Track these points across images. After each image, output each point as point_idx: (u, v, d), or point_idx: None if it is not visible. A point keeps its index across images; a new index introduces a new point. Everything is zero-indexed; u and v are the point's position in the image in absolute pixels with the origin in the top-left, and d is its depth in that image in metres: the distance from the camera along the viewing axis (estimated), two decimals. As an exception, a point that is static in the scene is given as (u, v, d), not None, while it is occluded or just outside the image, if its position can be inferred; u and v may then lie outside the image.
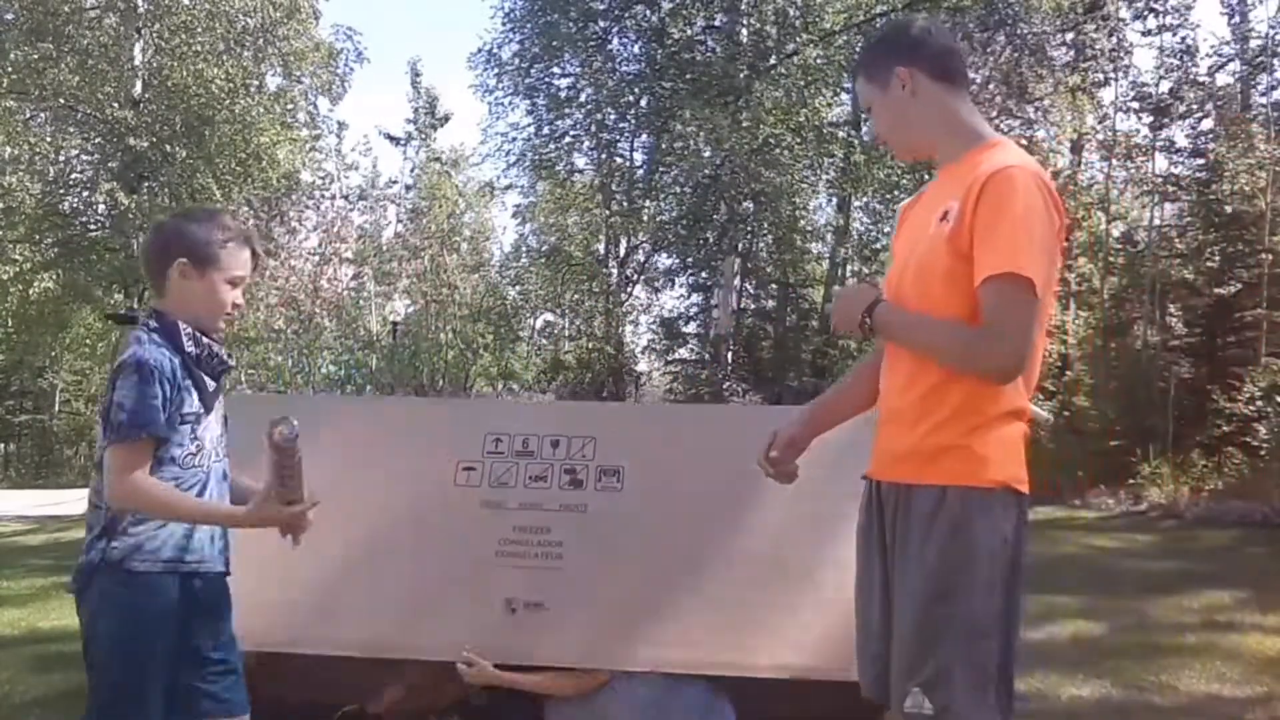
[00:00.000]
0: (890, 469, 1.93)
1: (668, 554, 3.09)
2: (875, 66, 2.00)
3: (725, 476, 3.11)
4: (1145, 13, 16.46)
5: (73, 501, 15.07)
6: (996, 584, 1.78)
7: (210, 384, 2.20)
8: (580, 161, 19.19)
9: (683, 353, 19.97)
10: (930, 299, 1.86)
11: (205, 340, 2.17)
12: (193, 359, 2.15)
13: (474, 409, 3.63)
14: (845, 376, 2.43)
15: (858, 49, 2.42)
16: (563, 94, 18.34)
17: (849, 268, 18.65)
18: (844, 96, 18.22)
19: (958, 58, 2.02)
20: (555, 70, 18.32)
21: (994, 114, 16.65)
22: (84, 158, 16.11)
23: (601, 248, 20.81)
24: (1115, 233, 17.57)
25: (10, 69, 14.12)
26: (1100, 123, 17.00)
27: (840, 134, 17.35)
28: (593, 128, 18.13)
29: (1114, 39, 16.55)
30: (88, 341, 17.57)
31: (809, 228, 18.65)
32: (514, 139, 18.98)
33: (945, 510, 1.79)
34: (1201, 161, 15.63)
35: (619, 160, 19.01)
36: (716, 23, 17.74)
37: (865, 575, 2.00)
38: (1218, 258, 14.52)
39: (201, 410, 2.17)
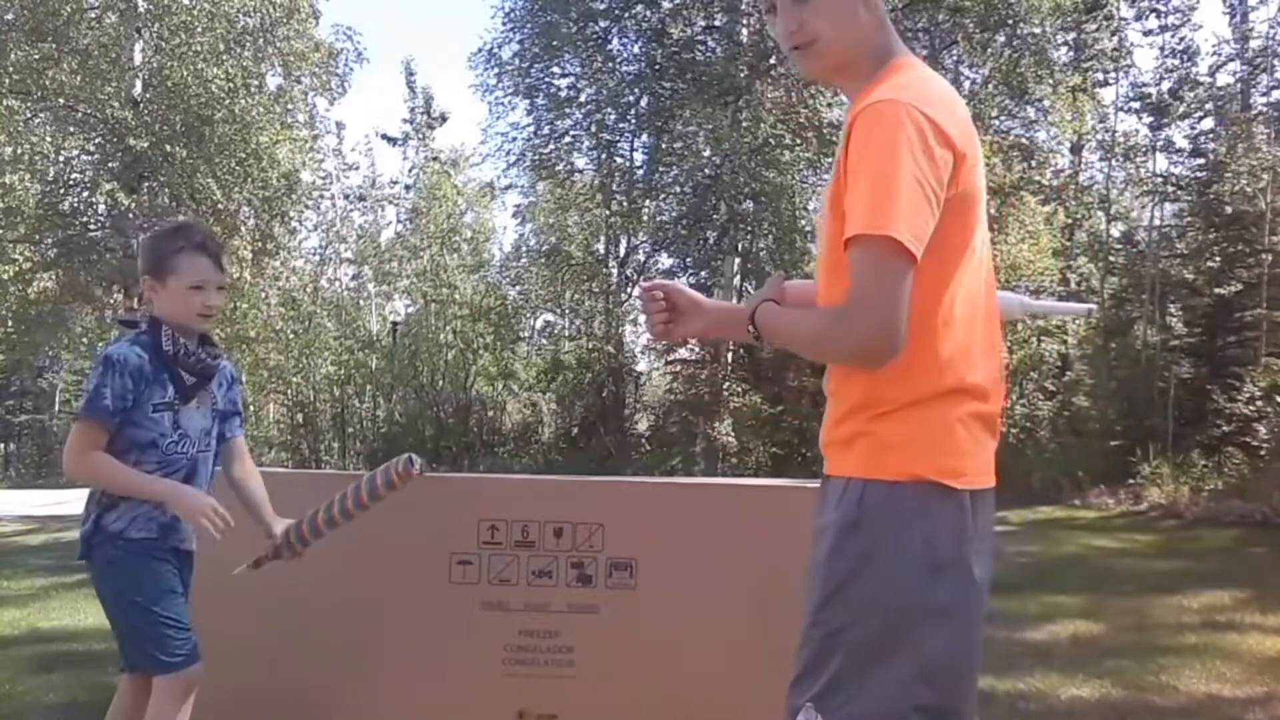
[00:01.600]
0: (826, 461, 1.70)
1: (689, 660, 2.88)
2: None
3: (753, 570, 2.89)
4: (1147, 13, 16.48)
5: (73, 501, 15.04)
6: (908, 595, 1.48)
7: (189, 379, 2.44)
8: (580, 161, 19.20)
9: (683, 353, 19.97)
10: (833, 281, 1.58)
11: (182, 340, 2.42)
12: (169, 356, 2.40)
13: (463, 490, 3.33)
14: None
15: None
16: (563, 94, 18.35)
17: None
18: (844, 96, 18.23)
19: None
20: (555, 70, 18.33)
21: (994, 114, 16.68)
22: (84, 158, 16.11)
23: (601, 248, 20.81)
24: (1115, 233, 17.58)
25: (11, 69, 14.12)
26: (1100, 123, 17.00)
27: (840, 134, 17.35)
28: (593, 128, 18.13)
29: (1115, 39, 16.56)
30: (87, 341, 17.54)
31: (809, 228, 18.64)
32: (514, 139, 19.00)
33: (844, 503, 1.54)
34: (1202, 161, 15.64)
35: (619, 160, 19.01)
36: (716, 23, 17.75)
37: None
38: (1218, 258, 14.53)
39: (176, 400, 2.41)
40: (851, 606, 1.50)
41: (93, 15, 14.95)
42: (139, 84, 15.02)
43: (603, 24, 17.91)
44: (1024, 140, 17.26)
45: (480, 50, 18.77)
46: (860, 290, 1.47)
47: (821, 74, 1.76)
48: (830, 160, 17.37)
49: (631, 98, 17.90)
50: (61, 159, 15.93)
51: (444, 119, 27.53)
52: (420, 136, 27.13)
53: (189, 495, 2.34)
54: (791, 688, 1.57)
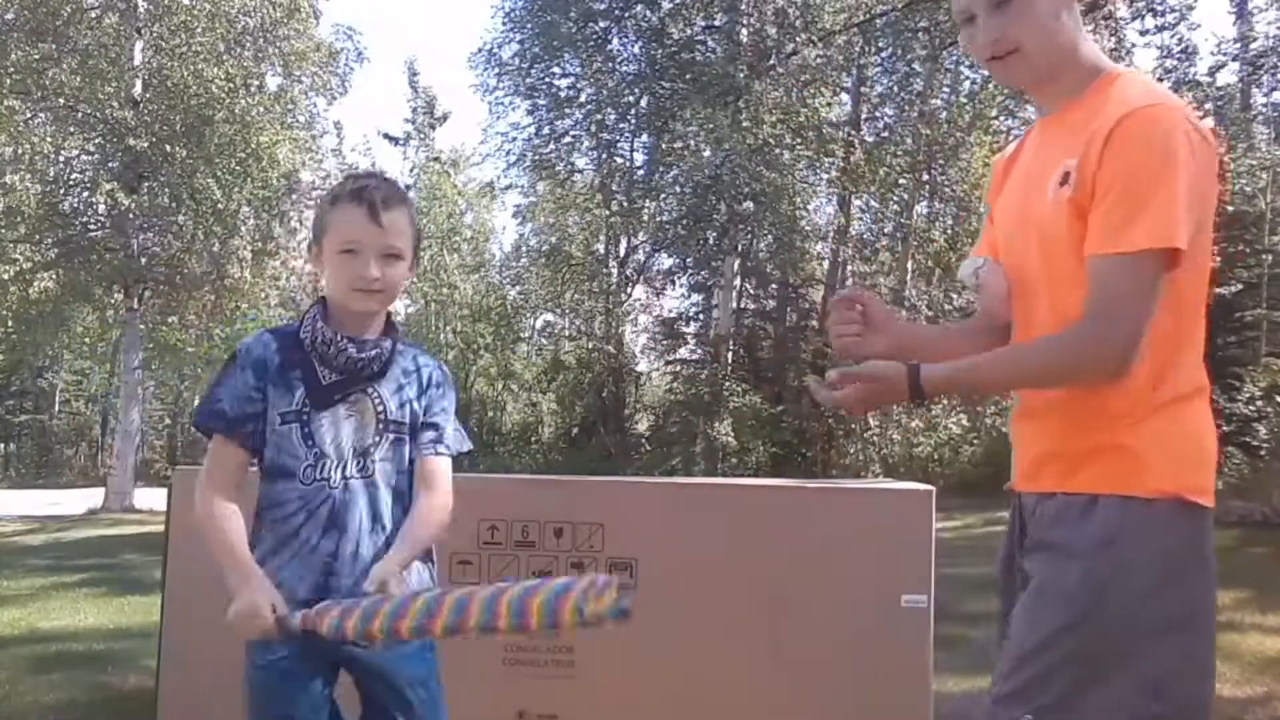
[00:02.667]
0: (1032, 477, 1.61)
1: (689, 660, 2.88)
2: None
3: (753, 570, 2.90)
4: (1145, 12, 16.47)
5: (72, 501, 15.08)
6: (1145, 610, 1.45)
7: (327, 376, 1.80)
8: (580, 161, 19.23)
9: (683, 353, 19.98)
10: (1062, 280, 1.53)
11: (322, 326, 1.80)
12: (306, 346, 1.81)
13: (463, 490, 3.31)
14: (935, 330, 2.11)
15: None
16: (563, 94, 18.37)
17: (849, 268, 18.64)
18: (844, 96, 18.24)
19: None
20: (555, 70, 18.35)
21: (994, 114, 16.69)
22: (84, 157, 16.10)
23: (601, 248, 20.82)
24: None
25: (11, 69, 14.12)
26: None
27: (840, 134, 17.36)
28: (593, 128, 18.15)
29: (1113, 39, 16.55)
30: (87, 341, 17.55)
31: (809, 227, 18.67)
32: (514, 139, 19.02)
33: (1095, 521, 1.47)
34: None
35: (619, 160, 19.03)
36: (716, 23, 17.76)
37: (1003, 619, 1.65)
38: (1218, 258, 14.52)
39: (307, 408, 1.79)
40: (1096, 628, 1.46)
41: (93, 15, 14.94)
42: (139, 84, 15.01)
43: (603, 24, 17.92)
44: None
45: (480, 50, 18.81)
46: (1120, 300, 1.44)
47: (1023, 84, 1.71)
48: (830, 160, 17.20)
49: (631, 98, 17.91)
50: (61, 159, 15.92)
51: (445, 118, 27.53)
52: (421, 136, 27.12)
53: (244, 597, 1.69)
54: (1006, 701, 1.50)
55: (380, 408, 1.85)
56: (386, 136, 27.90)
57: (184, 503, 3.01)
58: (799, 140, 16.56)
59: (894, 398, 1.59)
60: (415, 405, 1.89)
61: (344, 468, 1.81)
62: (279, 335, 1.84)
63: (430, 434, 1.92)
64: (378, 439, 1.85)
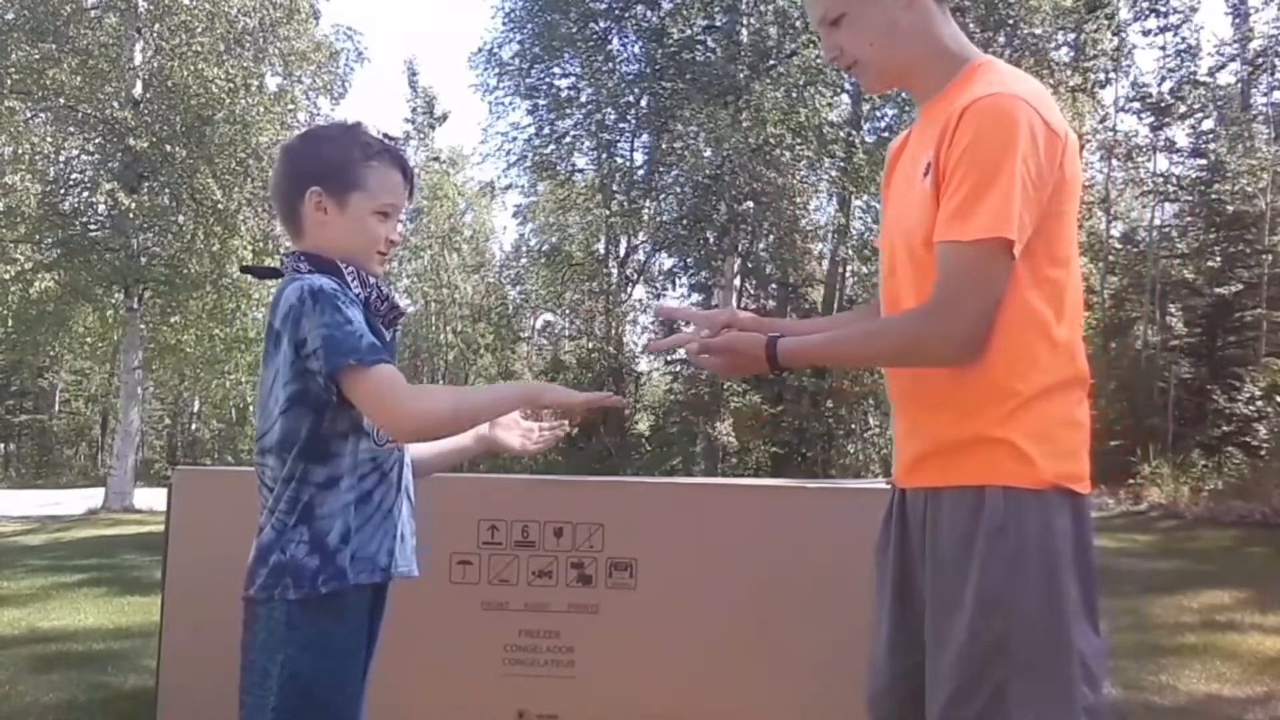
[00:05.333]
0: (912, 472, 1.63)
1: (689, 660, 2.88)
2: None
3: (753, 570, 2.90)
4: (1147, 13, 16.48)
5: (72, 501, 15.08)
6: (1061, 598, 1.47)
7: (385, 334, 1.71)
8: (580, 161, 19.24)
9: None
10: (925, 268, 1.53)
11: (373, 280, 1.72)
12: (362, 301, 1.67)
13: (463, 490, 3.30)
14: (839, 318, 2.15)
15: None
16: (563, 94, 18.38)
17: (849, 267, 18.65)
18: (844, 96, 18.24)
19: None
20: (555, 70, 18.36)
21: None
22: (84, 158, 16.10)
23: (601, 248, 20.83)
24: (1115, 233, 17.58)
25: (11, 69, 14.12)
26: (1101, 123, 17.01)
27: (841, 134, 17.37)
28: (593, 128, 18.15)
29: (1115, 39, 16.56)
30: (88, 341, 17.54)
31: (809, 227, 18.68)
32: (514, 139, 19.03)
33: (986, 513, 1.48)
34: (1202, 162, 15.64)
35: (619, 160, 19.03)
36: (716, 23, 17.76)
37: (879, 604, 1.70)
38: (1218, 258, 14.54)
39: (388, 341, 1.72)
40: (1010, 616, 1.46)
41: (93, 15, 14.94)
42: (139, 84, 15.02)
43: (603, 24, 17.93)
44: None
45: (481, 50, 18.82)
46: (964, 283, 1.46)
47: (876, 89, 1.75)
48: (830, 160, 17.29)
49: (631, 98, 17.92)
50: (62, 159, 15.93)
51: (445, 118, 27.55)
52: (421, 136, 27.15)
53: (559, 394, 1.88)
54: (946, 704, 1.49)
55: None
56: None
57: (184, 503, 3.01)
58: (799, 140, 16.56)
59: (755, 367, 1.66)
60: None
61: None
62: (335, 283, 1.65)
63: None
64: None
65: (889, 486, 1.74)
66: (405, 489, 1.76)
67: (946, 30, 1.62)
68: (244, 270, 1.84)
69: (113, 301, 15.44)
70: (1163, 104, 15.90)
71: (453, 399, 1.69)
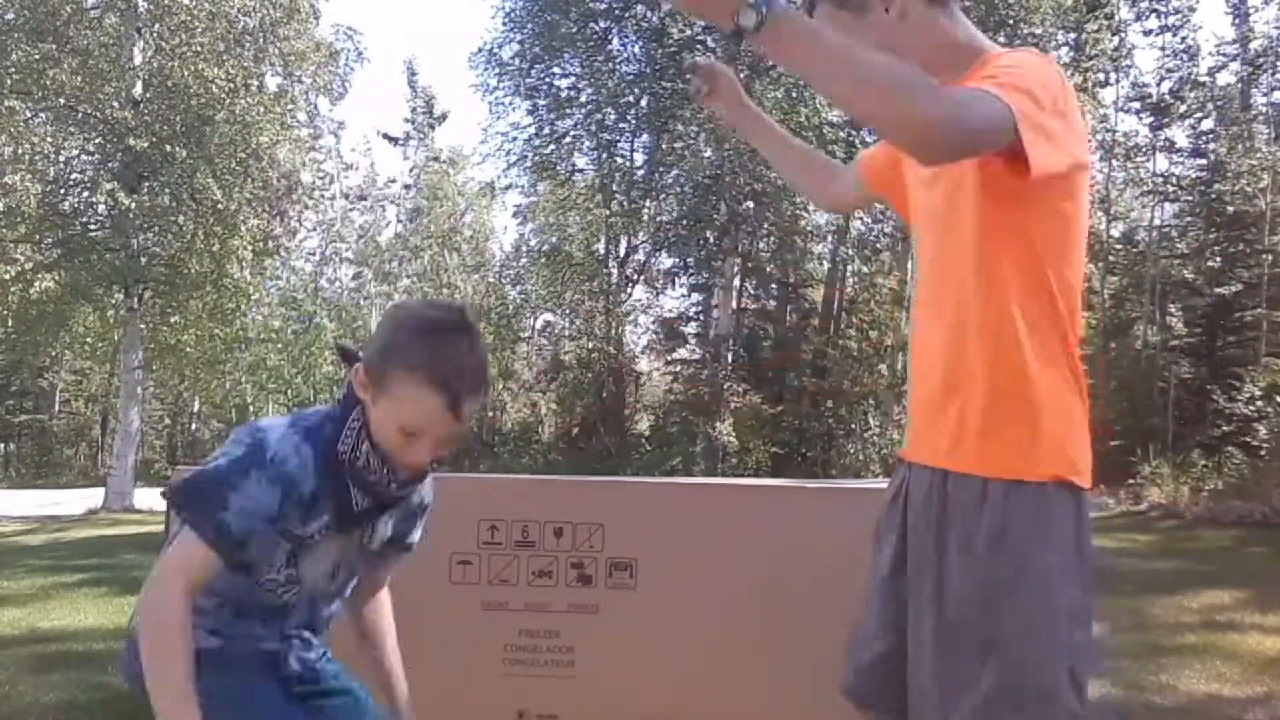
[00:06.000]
0: (919, 448, 1.62)
1: (689, 660, 2.88)
2: None
3: (753, 570, 2.89)
4: (1147, 13, 16.48)
5: (72, 501, 15.09)
6: (1059, 600, 1.46)
7: (360, 501, 1.57)
8: (580, 161, 19.24)
9: (682, 353, 19.99)
10: (968, 258, 1.50)
11: (369, 451, 1.54)
12: (345, 464, 1.54)
13: (463, 490, 3.29)
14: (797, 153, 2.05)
15: None
16: (563, 94, 18.38)
17: (849, 267, 18.65)
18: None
19: None
20: (555, 70, 18.36)
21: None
22: (84, 158, 16.10)
23: (602, 248, 20.83)
24: (1115, 233, 17.59)
25: (11, 69, 14.12)
26: (1101, 123, 17.02)
27: (841, 134, 17.37)
28: (593, 128, 18.16)
29: (1115, 39, 16.57)
30: (88, 341, 17.55)
31: (809, 228, 18.68)
32: (514, 139, 19.03)
33: (988, 508, 1.48)
34: (1202, 162, 15.65)
35: (619, 160, 19.04)
36: (717, 23, 17.77)
37: (873, 579, 1.70)
38: (1218, 258, 14.54)
39: (325, 530, 1.57)
40: (1006, 616, 1.45)
41: (93, 15, 14.94)
42: (139, 84, 15.02)
43: (603, 24, 17.93)
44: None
45: (481, 50, 18.82)
46: (962, 95, 1.35)
47: None
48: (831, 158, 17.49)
49: (631, 98, 17.92)
50: (62, 159, 15.93)
51: (444, 118, 27.56)
52: (421, 136, 27.16)
53: None
54: (944, 692, 1.49)
55: (366, 537, 1.67)
56: (386, 136, 27.94)
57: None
58: (799, 140, 16.56)
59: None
60: (400, 527, 1.74)
61: (312, 592, 1.64)
62: (317, 449, 1.53)
63: (401, 548, 1.79)
64: (353, 571, 1.71)
65: (896, 468, 1.74)
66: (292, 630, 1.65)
67: (955, 27, 1.58)
68: (337, 347, 1.69)
69: (113, 301, 15.45)
70: (1163, 104, 15.91)
71: (169, 625, 1.44)
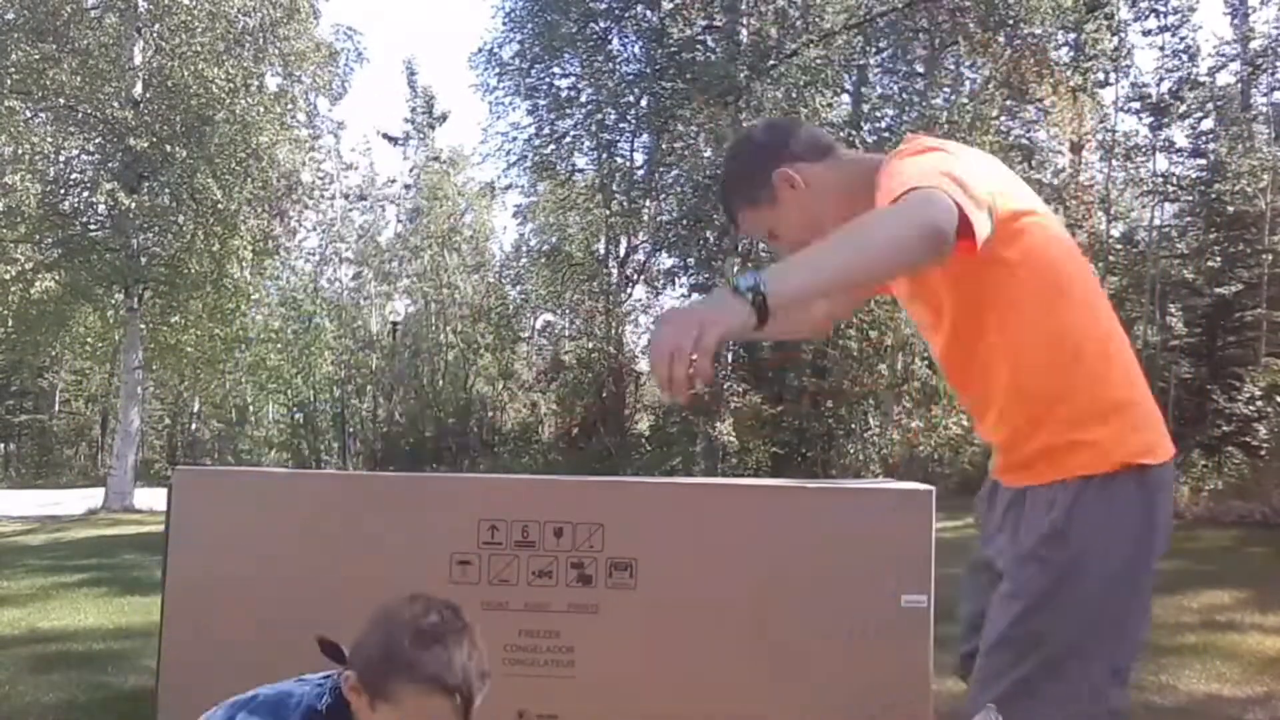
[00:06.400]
0: (1005, 473, 1.72)
1: (689, 660, 2.89)
2: (751, 190, 1.76)
3: (753, 570, 2.91)
4: (1147, 13, 16.49)
5: (72, 501, 15.08)
6: (1113, 588, 1.53)
7: None
8: (581, 161, 19.23)
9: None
10: (970, 363, 1.67)
11: None
12: None
13: (463, 490, 3.29)
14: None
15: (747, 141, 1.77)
16: (563, 94, 18.37)
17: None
18: (844, 97, 18.24)
19: (810, 127, 1.87)
20: (556, 70, 18.35)
21: (995, 114, 16.67)
22: (84, 157, 16.11)
23: (602, 248, 20.83)
24: (1115, 233, 17.59)
25: (11, 69, 14.11)
26: (1101, 123, 17.02)
27: (841, 134, 17.37)
28: (593, 128, 18.15)
29: (1115, 39, 16.57)
30: (89, 341, 17.56)
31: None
32: (514, 139, 19.02)
33: (1055, 510, 1.55)
34: (1202, 162, 15.65)
35: (619, 160, 19.03)
36: (717, 23, 17.76)
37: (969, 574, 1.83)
38: (1218, 258, 14.54)
39: None
40: (1058, 613, 1.52)
41: (93, 15, 14.93)
42: (139, 84, 15.02)
43: (603, 24, 17.92)
44: (1024, 140, 17.26)
45: (481, 50, 18.81)
46: (914, 194, 1.41)
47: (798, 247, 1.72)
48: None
49: (631, 98, 17.91)
50: (62, 159, 15.92)
51: (444, 118, 27.55)
52: (421, 136, 27.15)
53: None
54: (975, 687, 1.58)
55: None
56: (386, 136, 27.94)
57: (184, 503, 3.01)
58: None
59: (722, 319, 1.38)
60: None
61: None
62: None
63: None
64: None
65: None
66: None
67: (846, 165, 1.77)
68: (320, 641, 1.66)
69: (113, 301, 15.44)
70: (1162, 104, 15.91)
71: None
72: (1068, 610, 1.52)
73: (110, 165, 15.10)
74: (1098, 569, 1.52)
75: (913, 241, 1.37)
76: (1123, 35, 16.76)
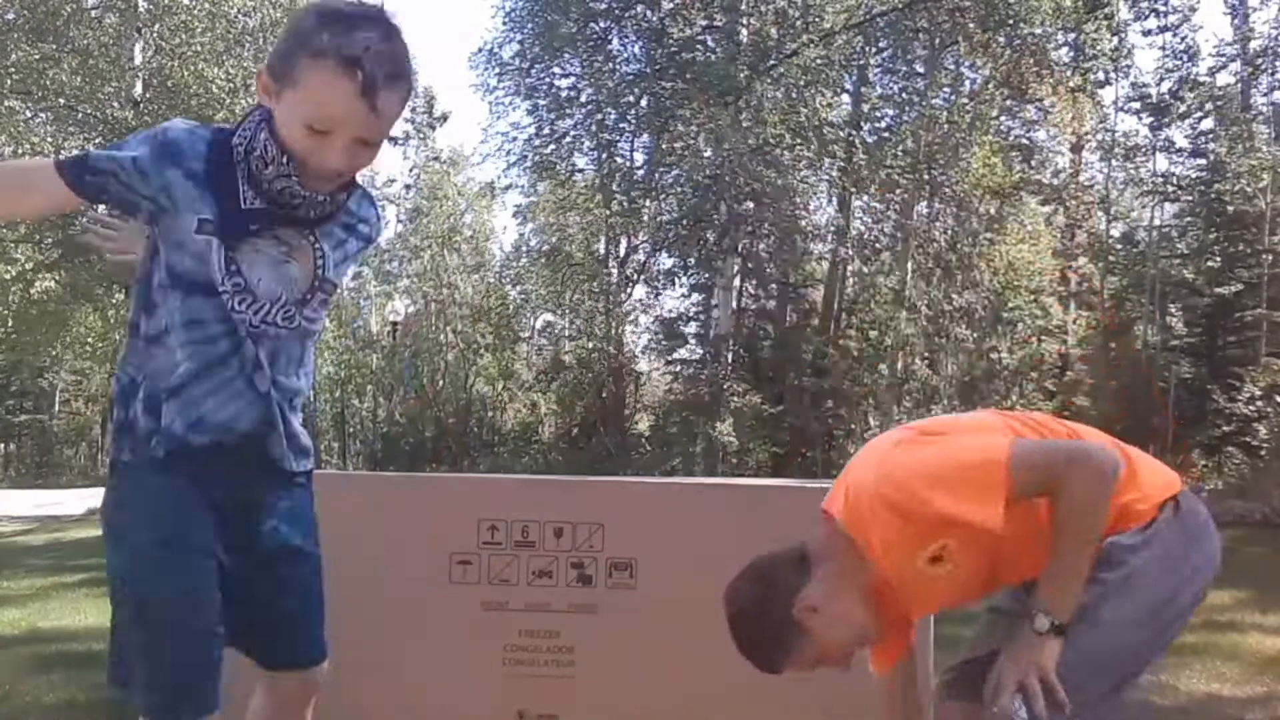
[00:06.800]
0: None
1: (689, 660, 2.86)
2: (785, 643, 1.82)
3: None
4: (1147, 13, 16.49)
5: (72, 501, 15.08)
6: (1141, 618, 1.69)
7: (255, 202, 1.47)
8: (581, 162, 19.22)
9: (682, 353, 19.98)
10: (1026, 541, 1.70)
11: (267, 141, 1.44)
12: (238, 156, 1.46)
13: (463, 490, 3.28)
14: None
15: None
16: (563, 94, 18.37)
17: (849, 267, 18.64)
18: (844, 97, 18.24)
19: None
20: (556, 70, 18.35)
21: (995, 114, 16.68)
22: (84, 158, 16.14)
23: (601, 248, 20.82)
24: (1115, 233, 17.60)
25: (12, 69, 14.12)
26: (1100, 123, 17.02)
27: (841, 134, 17.37)
28: (593, 128, 18.15)
29: (1115, 39, 16.57)
30: (89, 341, 17.57)
31: (809, 227, 18.67)
32: (514, 139, 19.02)
33: (1103, 562, 1.67)
34: (1202, 162, 15.65)
35: (619, 160, 19.02)
36: (717, 23, 17.76)
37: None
38: (1218, 258, 14.54)
39: (213, 225, 1.46)
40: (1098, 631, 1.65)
41: (93, 15, 14.95)
42: (139, 84, 15.03)
43: (603, 24, 17.92)
44: (1024, 140, 17.27)
45: (481, 50, 18.81)
46: (1050, 456, 1.66)
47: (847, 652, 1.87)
48: (830, 160, 17.23)
49: (631, 98, 17.91)
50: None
51: (445, 118, 27.52)
52: (421, 136, 27.13)
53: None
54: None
55: (320, 262, 1.55)
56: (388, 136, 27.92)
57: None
58: (799, 140, 16.55)
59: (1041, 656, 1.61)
60: (350, 265, 1.64)
61: (267, 312, 1.50)
62: (213, 134, 1.48)
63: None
64: (309, 296, 1.55)
65: None
66: (281, 374, 1.55)
67: (833, 567, 1.74)
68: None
69: (113, 302, 15.45)
70: (1162, 104, 15.90)
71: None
72: None
73: (110, 165, 15.11)
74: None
75: (1105, 498, 1.63)
76: (1123, 35, 16.77)
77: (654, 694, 2.88)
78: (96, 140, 15.29)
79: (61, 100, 14.64)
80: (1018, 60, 15.57)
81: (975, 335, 16.45)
